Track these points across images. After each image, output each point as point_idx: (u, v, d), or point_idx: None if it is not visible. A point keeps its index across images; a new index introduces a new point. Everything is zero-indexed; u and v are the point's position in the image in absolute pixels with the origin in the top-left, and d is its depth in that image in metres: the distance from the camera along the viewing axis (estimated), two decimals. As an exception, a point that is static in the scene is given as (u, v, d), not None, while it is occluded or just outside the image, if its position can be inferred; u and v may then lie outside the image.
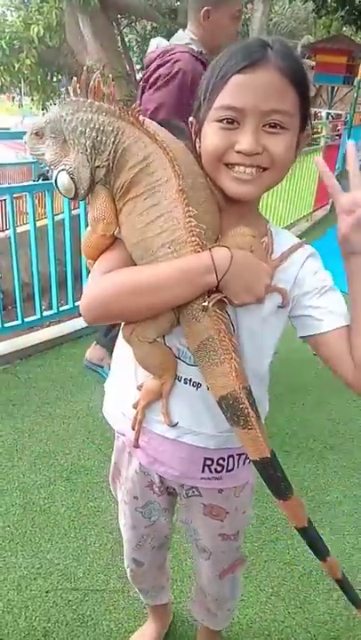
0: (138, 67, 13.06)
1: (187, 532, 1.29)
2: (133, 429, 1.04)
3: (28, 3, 9.84)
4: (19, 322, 3.23)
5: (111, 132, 0.88)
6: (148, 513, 1.23)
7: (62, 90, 10.64)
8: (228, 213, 0.93)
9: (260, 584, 1.85)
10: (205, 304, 0.85)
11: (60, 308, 3.46)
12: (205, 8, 2.02)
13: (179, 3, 10.23)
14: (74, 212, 3.43)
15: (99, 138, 0.88)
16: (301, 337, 0.98)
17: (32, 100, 12.07)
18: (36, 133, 0.96)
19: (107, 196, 0.92)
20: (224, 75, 0.84)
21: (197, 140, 0.93)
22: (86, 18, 9.02)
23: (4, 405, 2.73)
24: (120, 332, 0.97)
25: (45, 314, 3.38)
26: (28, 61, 8.55)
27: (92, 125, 0.88)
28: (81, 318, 3.41)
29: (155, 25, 10.51)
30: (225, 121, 0.85)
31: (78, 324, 3.48)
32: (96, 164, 0.90)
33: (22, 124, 17.66)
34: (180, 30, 2.22)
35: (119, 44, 10.95)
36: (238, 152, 0.85)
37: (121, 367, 1.09)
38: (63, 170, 0.92)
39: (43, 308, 3.37)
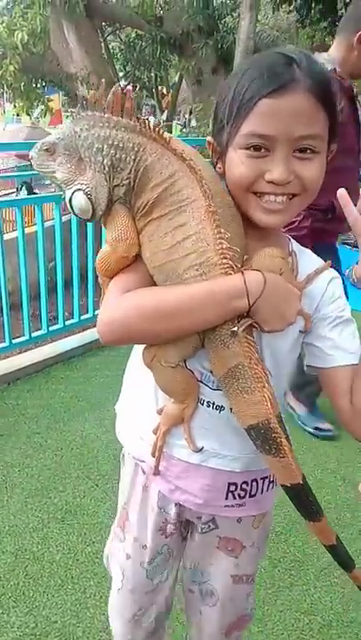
0: (121, 74, 12.96)
1: (189, 579, 1.15)
2: (153, 456, 0.97)
3: (12, 9, 9.65)
4: (6, 344, 3.03)
5: (132, 149, 0.82)
6: (152, 572, 1.10)
7: (43, 94, 10.53)
8: (251, 233, 0.88)
9: (277, 639, 1.69)
10: (235, 329, 0.80)
11: (51, 328, 3.27)
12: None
13: (163, 11, 10.14)
14: (64, 219, 3.24)
15: (118, 155, 0.83)
16: (308, 365, 0.96)
17: (14, 106, 11.86)
18: (47, 150, 0.88)
19: (127, 215, 0.86)
20: (250, 98, 0.79)
21: (219, 162, 0.89)
22: (71, 25, 8.87)
23: (-9, 436, 2.54)
24: (142, 354, 0.91)
25: (35, 334, 3.19)
26: (11, 67, 8.31)
27: (110, 142, 0.83)
28: (72, 337, 3.21)
29: (140, 33, 10.38)
30: (253, 148, 0.81)
31: (70, 344, 3.30)
32: (115, 183, 0.85)
33: (4, 131, 17.44)
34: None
35: (103, 52, 10.83)
36: (269, 182, 0.81)
37: (137, 389, 1.03)
38: (79, 190, 0.86)
39: (31, 319, 3.17)
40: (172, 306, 0.81)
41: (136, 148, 0.82)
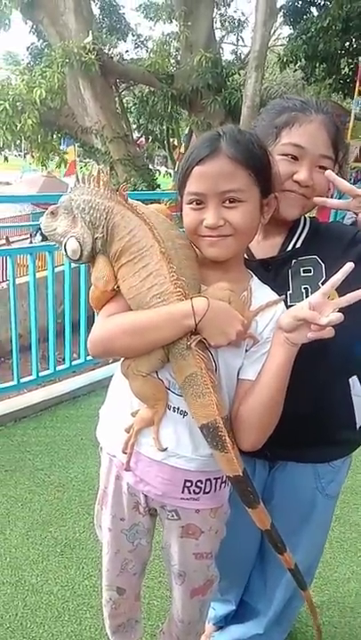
0: (134, 126, 13.54)
1: (165, 560, 1.35)
2: (124, 453, 1.16)
3: (33, 68, 10.27)
4: (14, 382, 3.16)
5: (103, 211, 1.09)
6: (132, 537, 1.30)
7: (59, 146, 11.08)
8: (215, 268, 1.12)
9: None
10: (188, 343, 1.02)
11: (57, 368, 3.40)
12: None
13: (174, 70, 10.70)
14: (74, 265, 3.41)
15: (94, 214, 1.10)
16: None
17: (32, 156, 12.42)
18: (52, 213, 1.16)
19: (105, 261, 1.11)
20: (188, 167, 1.06)
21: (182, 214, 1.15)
22: (87, 82, 9.42)
23: (-4, 471, 2.63)
24: (120, 365, 1.14)
25: (42, 374, 3.31)
26: (29, 121, 8.80)
27: (89, 204, 1.10)
28: (78, 378, 3.35)
29: (152, 89, 10.95)
30: (194, 203, 1.07)
31: (75, 383, 3.42)
32: (95, 236, 1.10)
33: (22, 180, 18.14)
34: None
35: (117, 106, 11.38)
36: (206, 227, 1.05)
37: (117, 397, 1.23)
38: (73, 236, 1.12)
39: (39, 360, 3.30)
40: (144, 323, 1.04)
41: (106, 210, 1.09)
